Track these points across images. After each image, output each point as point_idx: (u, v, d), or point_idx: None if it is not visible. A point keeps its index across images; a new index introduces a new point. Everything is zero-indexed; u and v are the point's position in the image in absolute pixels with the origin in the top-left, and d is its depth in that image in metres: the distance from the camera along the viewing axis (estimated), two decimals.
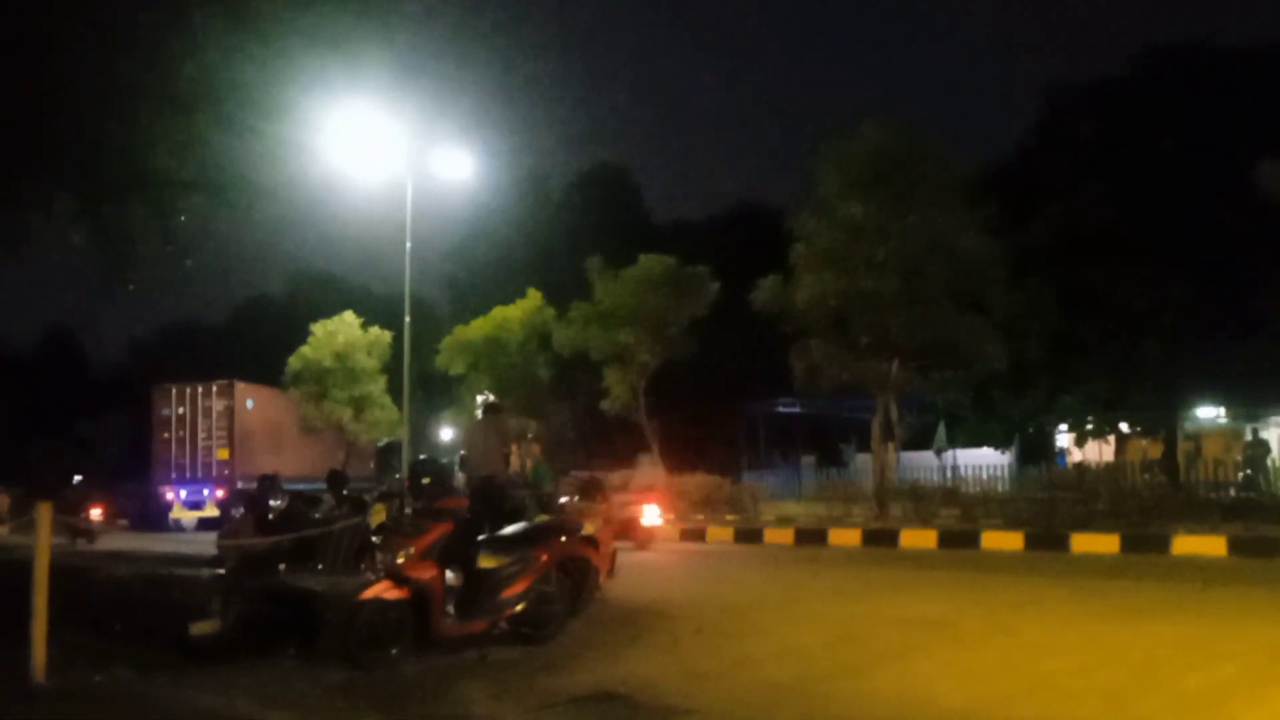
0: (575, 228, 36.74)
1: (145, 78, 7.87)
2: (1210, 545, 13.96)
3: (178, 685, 6.64)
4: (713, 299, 23.25)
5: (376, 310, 31.15)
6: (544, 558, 7.94)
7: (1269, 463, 18.12)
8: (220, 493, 24.49)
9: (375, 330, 29.42)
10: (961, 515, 18.21)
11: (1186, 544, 14.13)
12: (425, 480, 7.99)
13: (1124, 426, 27.43)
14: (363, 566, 7.75)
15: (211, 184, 9.21)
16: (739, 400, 35.75)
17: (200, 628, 7.96)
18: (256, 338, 40.55)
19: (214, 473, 25.38)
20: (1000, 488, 19.47)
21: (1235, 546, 13.70)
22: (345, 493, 10.40)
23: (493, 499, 10.37)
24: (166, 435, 26.24)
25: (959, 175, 20.10)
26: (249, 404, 26.47)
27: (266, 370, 29.41)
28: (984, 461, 21.46)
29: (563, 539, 8.34)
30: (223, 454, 25.46)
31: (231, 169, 8.97)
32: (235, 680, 6.64)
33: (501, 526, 9.55)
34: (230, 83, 8.07)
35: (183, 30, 7.72)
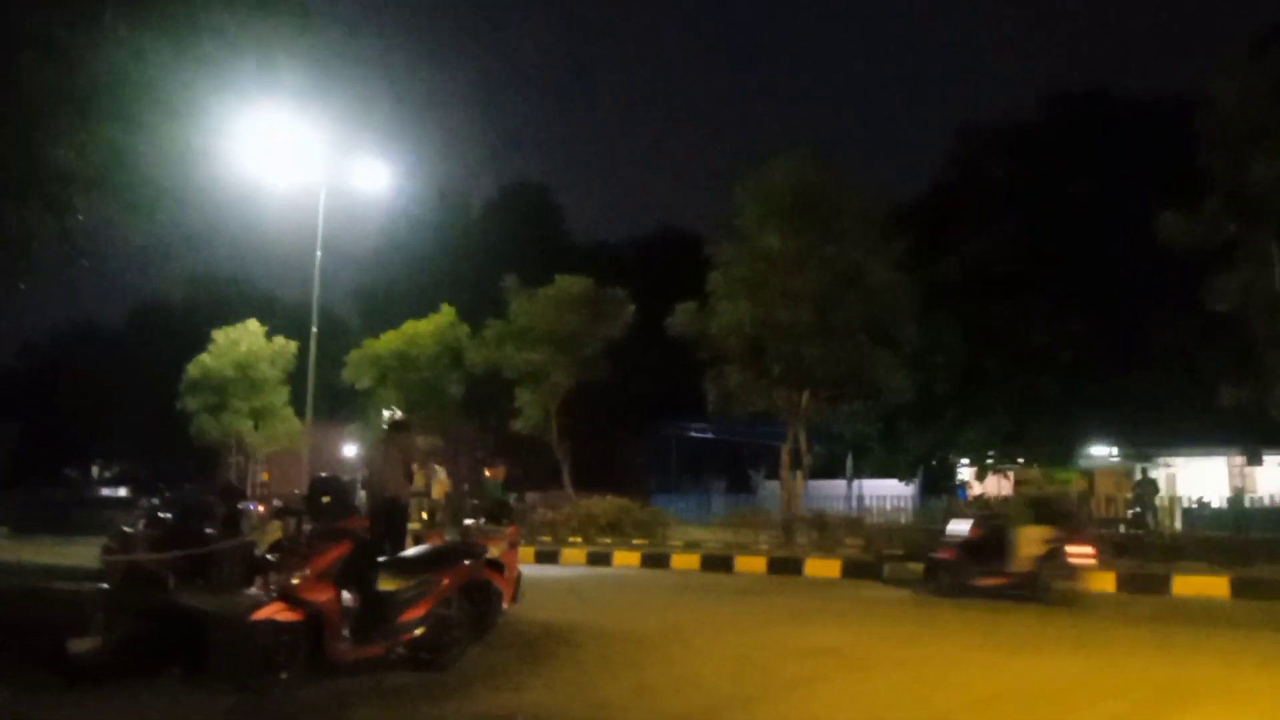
0: (492, 244, 36.51)
1: (47, 73, 7.56)
2: (1100, 580, 14.36)
3: (55, 706, 6.28)
4: (629, 321, 23.29)
5: (283, 320, 30.41)
6: (446, 581, 7.74)
7: (1156, 501, 18.81)
8: None
9: (280, 340, 28.65)
10: (865, 545, 18.48)
11: None
12: (325, 499, 7.72)
13: (1021, 461, 28.26)
14: (254, 586, 7.46)
15: (113, 184, 8.87)
16: (651, 423, 35.86)
17: (80, 645, 7.55)
18: (155, 343, 39.16)
19: None
20: (903, 519, 19.85)
21: (1123, 582, 14.15)
22: (240, 507, 10.05)
23: (395, 520, 10.12)
24: None
25: (875, 210, 20.57)
26: None
27: (162, 378, 28.41)
28: (889, 492, 21.88)
29: (466, 562, 8.15)
30: None
31: (135, 170, 8.65)
32: (118, 702, 6.33)
33: (403, 548, 9.33)
34: (137, 82, 7.79)
35: (90, 28, 7.45)
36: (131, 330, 47.12)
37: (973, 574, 12.49)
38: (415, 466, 10.56)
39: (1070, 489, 17.35)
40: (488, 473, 18.83)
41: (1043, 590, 11.97)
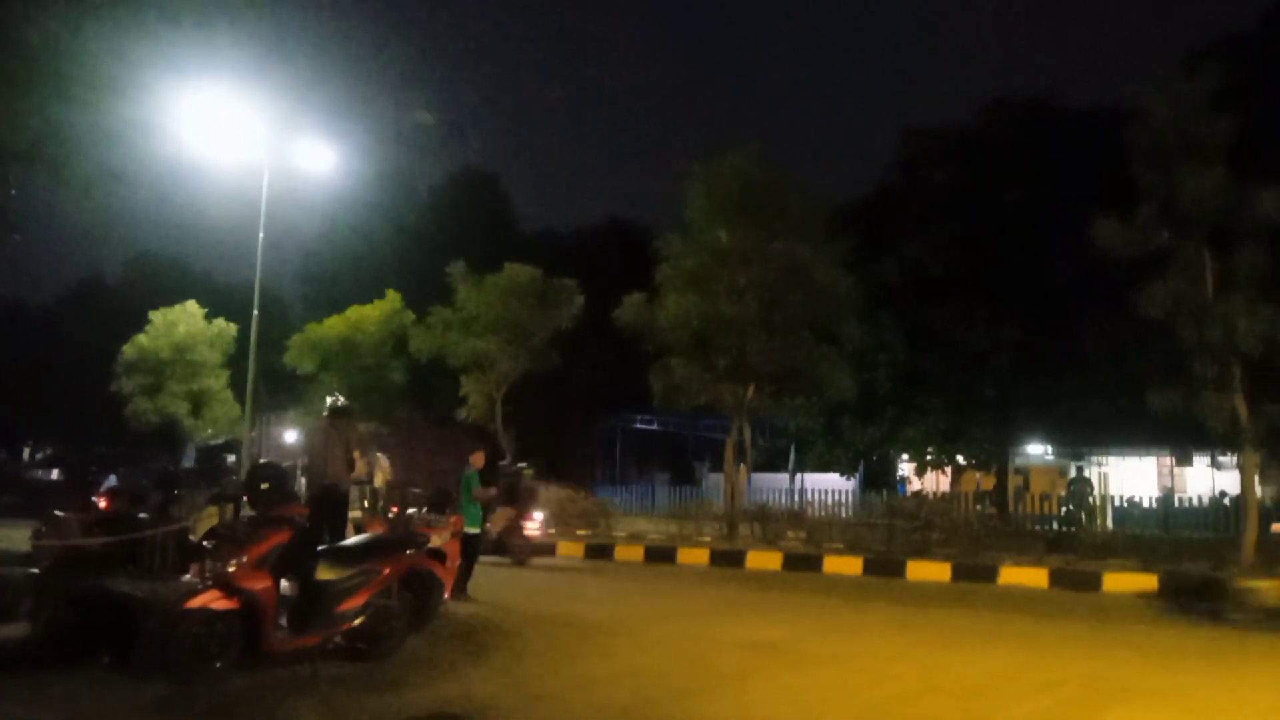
0: (440, 231, 36.18)
1: None
2: (1033, 576, 14.74)
3: None
4: (577, 312, 23.22)
5: (223, 302, 29.85)
6: (386, 571, 7.68)
7: (1089, 500, 19.26)
8: None
9: (220, 322, 28.10)
10: (807, 538, 18.71)
11: (1012, 574, 14.87)
12: (264, 485, 7.60)
13: (960, 458, 28.80)
14: (188, 573, 7.33)
15: (47, 158, 8.63)
16: (597, 414, 35.85)
17: (6, 631, 7.37)
18: (89, 324, 38.17)
19: None
20: (844, 513, 20.11)
21: (1055, 578, 14.51)
22: (176, 493, 9.86)
23: (335, 508, 9.99)
24: None
25: (820, 209, 20.75)
26: None
27: (96, 359, 27.70)
28: (830, 486, 22.13)
29: (407, 552, 8.09)
30: None
31: (70, 144, 8.44)
32: (43, 690, 6.18)
33: (342, 537, 9.23)
34: (73, 53, 7.59)
35: None
36: (65, 310, 45.86)
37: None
38: (357, 454, 10.41)
39: (528, 475, 19.15)
40: (380, 461, 18.38)
41: (510, 552, 15.72)
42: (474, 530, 11.54)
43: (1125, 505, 19.72)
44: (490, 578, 12.61)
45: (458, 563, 9.92)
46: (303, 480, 10.83)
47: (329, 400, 10.64)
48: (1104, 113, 23.83)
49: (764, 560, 16.70)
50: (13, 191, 9.19)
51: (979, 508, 19.11)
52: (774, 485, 25.09)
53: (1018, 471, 29.52)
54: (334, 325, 26.23)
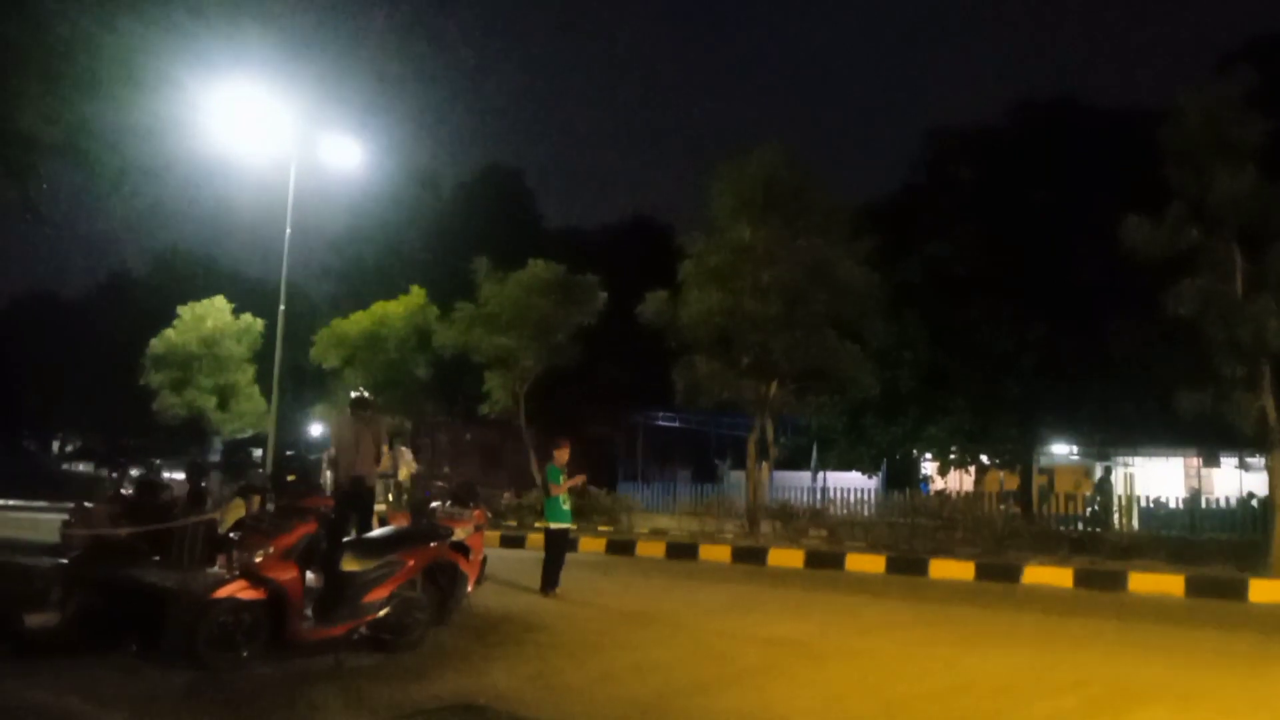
0: (464, 227, 36.25)
1: (10, 30, 7.42)
2: (1058, 576, 14.66)
3: (9, 678, 6.22)
4: (600, 308, 23.24)
5: (250, 297, 30.05)
6: (410, 563, 7.75)
7: (1115, 499, 19.12)
8: None
9: (247, 317, 28.33)
10: (829, 536, 18.67)
11: (1036, 574, 14.80)
12: (290, 477, 7.70)
13: (984, 458, 28.61)
14: (216, 564, 7.43)
15: (79, 152, 8.74)
16: (619, 411, 35.87)
17: (37, 619, 7.49)
18: (118, 316, 38.60)
19: None
20: (866, 511, 20.06)
21: (1080, 578, 14.42)
22: (203, 485, 9.98)
23: (364, 501, 10.08)
24: None
25: (845, 206, 20.68)
26: None
27: (125, 352, 28.01)
28: (852, 485, 22.06)
29: (432, 544, 8.16)
30: None
31: (102, 139, 8.54)
32: (72, 677, 6.27)
33: (369, 529, 9.32)
34: (104, 49, 7.69)
35: None
36: (95, 303, 46.34)
37: None
38: (385, 447, 10.51)
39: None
40: (404, 455, 18.33)
41: None
42: (560, 525, 11.51)
43: (1151, 506, 19.56)
44: (512, 571, 12.68)
45: (481, 555, 9.97)
46: (328, 473, 10.93)
47: (352, 394, 10.74)
48: (1132, 113, 23.56)
49: (786, 558, 16.68)
50: (44, 185, 9.31)
51: (1003, 507, 19.00)
52: (796, 483, 25.04)
53: (1042, 471, 29.27)
54: (359, 320, 26.39)
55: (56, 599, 7.77)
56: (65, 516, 11.34)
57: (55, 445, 53.70)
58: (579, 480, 12.49)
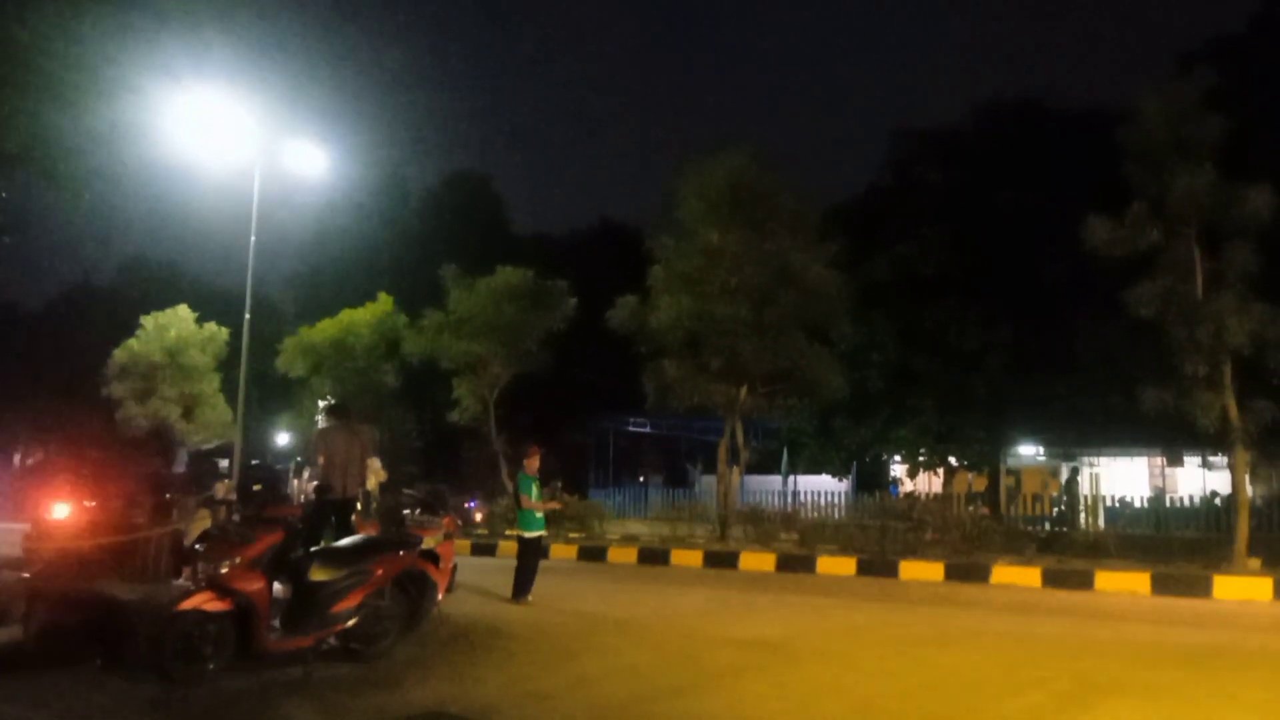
0: (432, 233, 36.11)
1: None
2: (1026, 575, 14.80)
3: None
4: (569, 314, 23.18)
5: (215, 305, 29.70)
6: (380, 572, 7.67)
7: (1081, 499, 19.32)
8: None
9: (211, 326, 28.03)
10: (800, 540, 18.73)
11: (1005, 574, 14.93)
12: (256, 487, 7.60)
13: (952, 460, 28.84)
14: (182, 576, 7.32)
15: (38, 161, 8.59)
16: (590, 416, 35.81)
17: (0, 634, 7.35)
18: (80, 328, 38.01)
19: None
20: (837, 514, 20.14)
21: (1048, 578, 14.56)
22: (168, 496, 9.84)
23: (347, 513, 9.96)
24: None
25: (812, 208, 20.75)
26: None
27: (88, 363, 27.60)
28: (823, 488, 22.15)
29: (400, 553, 8.08)
30: None
31: (61, 147, 8.40)
32: (36, 691, 6.16)
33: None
34: (62, 55, 7.56)
35: None
36: (56, 314, 45.59)
37: None
38: (372, 460, 10.40)
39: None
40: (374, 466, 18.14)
41: None
42: (532, 534, 11.47)
43: (1117, 505, 19.78)
44: (483, 579, 12.61)
45: (451, 563, 9.90)
46: (295, 482, 10.81)
47: (329, 403, 10.62)
48: (1096, 114, 23.89)
49: (757, 561, 16.72)
50: (3, 195, 9.16)
51: (971, 508, 19.15)
52: (767, 487, 25.12)
53: (1009, 472, 29.54)
54: (326, 328, 26.16)
55: (19, 613, 7.64)
56: (27, 529, 11.14)
57: (16, 459, 52.70)
58: (555, 505, 12.39)
